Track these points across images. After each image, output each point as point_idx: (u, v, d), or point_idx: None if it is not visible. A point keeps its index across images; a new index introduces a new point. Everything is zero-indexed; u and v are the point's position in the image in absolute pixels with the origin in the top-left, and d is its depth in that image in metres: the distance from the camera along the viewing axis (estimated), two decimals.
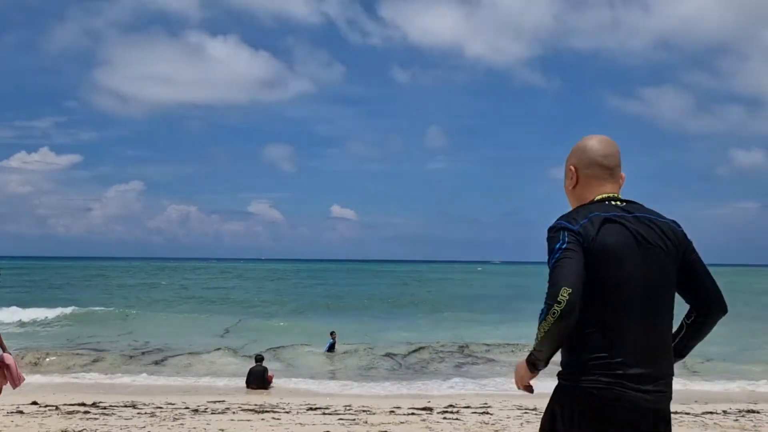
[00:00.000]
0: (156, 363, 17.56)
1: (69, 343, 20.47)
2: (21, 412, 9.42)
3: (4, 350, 6.10)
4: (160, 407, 10.27)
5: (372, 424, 8.72)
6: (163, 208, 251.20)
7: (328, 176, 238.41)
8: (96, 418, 9.05)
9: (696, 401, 12.11)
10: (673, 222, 2.48)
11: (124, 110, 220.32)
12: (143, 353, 18.87)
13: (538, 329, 2.16)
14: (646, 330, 2.27)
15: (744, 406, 11.10)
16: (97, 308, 31.07)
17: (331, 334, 18.89)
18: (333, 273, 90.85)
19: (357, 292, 47.90)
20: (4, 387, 5.97)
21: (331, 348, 18.50)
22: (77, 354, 18.29)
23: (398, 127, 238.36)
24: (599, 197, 2.40)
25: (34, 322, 26.18)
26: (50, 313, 27.95)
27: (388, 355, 18.28)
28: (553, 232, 2.27)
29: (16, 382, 5.98)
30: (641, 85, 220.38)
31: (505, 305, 37.93)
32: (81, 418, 9.00)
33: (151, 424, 8.60)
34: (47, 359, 17.81)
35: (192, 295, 45.11)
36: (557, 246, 2.20)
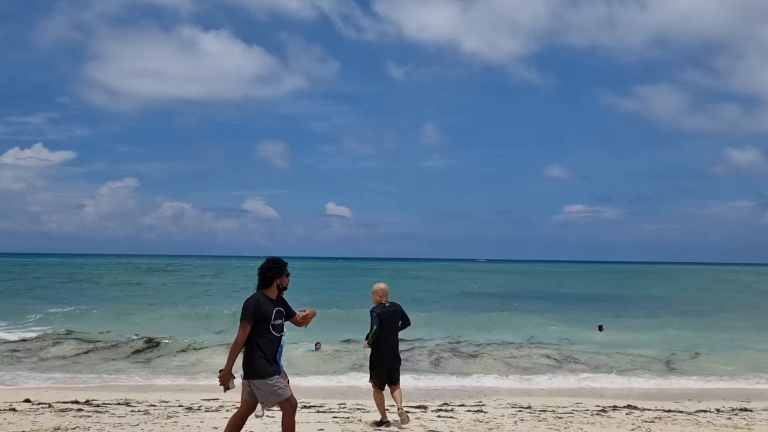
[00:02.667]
0: (149, 361, 17.54)
1: (61, 341, 20.38)
2: (14, 410, 9.38)
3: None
4: (154, 405, 10.25)
5: (366, 423, 8.73)
6: (156, 205, 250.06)
7: (322, 174, 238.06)
8: (89, 416, 9.01)
9: (689, 399, 12.17)
10: (397, 305, 8.42)
11: (116, 106, 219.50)
12: (137, 351, 18.84)
13: (370, 336, 8.22)
14: (391, 338, 8.30)
15: (737, 405, 11.16)
16: (88, 307, 30.97)
17: (316, 345, 18.78)
18: (327, 271, 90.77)
19: (350, 290, 47.88)
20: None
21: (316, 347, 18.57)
22: (70, 352, 18.23)
23: (393, 125, 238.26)
24: (383, 302, 8.31)
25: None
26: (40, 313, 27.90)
27: None
28: (373, 312, 8.23)
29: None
30: (637, 83, 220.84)
31: (501, 304, 38.00)
32: (74, 416, 8.96)
33: (145, 422, 8.57)
34: (40, 358, 17.75)
35: (186, 292, 45.03)
36: (373, 316, 8.19)
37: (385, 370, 8.31)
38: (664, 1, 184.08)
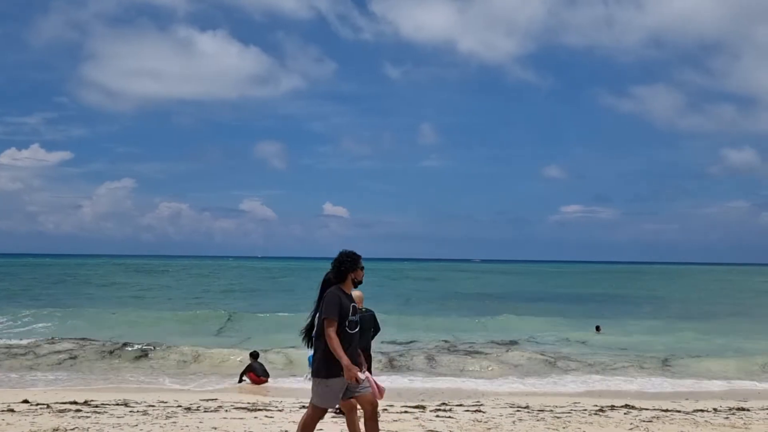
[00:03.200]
0: (147, 361, 17.52)
1: (58, 342, 20.37)
2: (12, 411, 9.37)
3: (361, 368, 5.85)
4: (153, 405, 10.25)
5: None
6: (154, 205, 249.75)
7: (320, 174, 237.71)
8: (88, 417, 9.01)
9: (687, 399, 12.20)
10: (371, 311, 8.67)
11: (113, 106, 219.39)
12: (134, 351, 18.82)
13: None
14: (366, 341, 8.01)
15: (734, 404, 11.19)
16: (85, 307, 30.94)
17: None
18: (324, 272, 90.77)
19: None
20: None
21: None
22: (67, 352, 18.22)
23: (391, 125, 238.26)
24: (360, 308, 7.28)
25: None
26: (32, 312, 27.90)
27: (379, 352, 18.30)
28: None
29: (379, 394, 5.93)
30: (634, 83, 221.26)
31: (498, 304, 38.08)
32: (73, 417, 8.96)
33: (144, 422, 8.57)
34: (36, 355, 17.73)
35: (182, 293, 44.99)
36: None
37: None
38: (662, 2, 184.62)
